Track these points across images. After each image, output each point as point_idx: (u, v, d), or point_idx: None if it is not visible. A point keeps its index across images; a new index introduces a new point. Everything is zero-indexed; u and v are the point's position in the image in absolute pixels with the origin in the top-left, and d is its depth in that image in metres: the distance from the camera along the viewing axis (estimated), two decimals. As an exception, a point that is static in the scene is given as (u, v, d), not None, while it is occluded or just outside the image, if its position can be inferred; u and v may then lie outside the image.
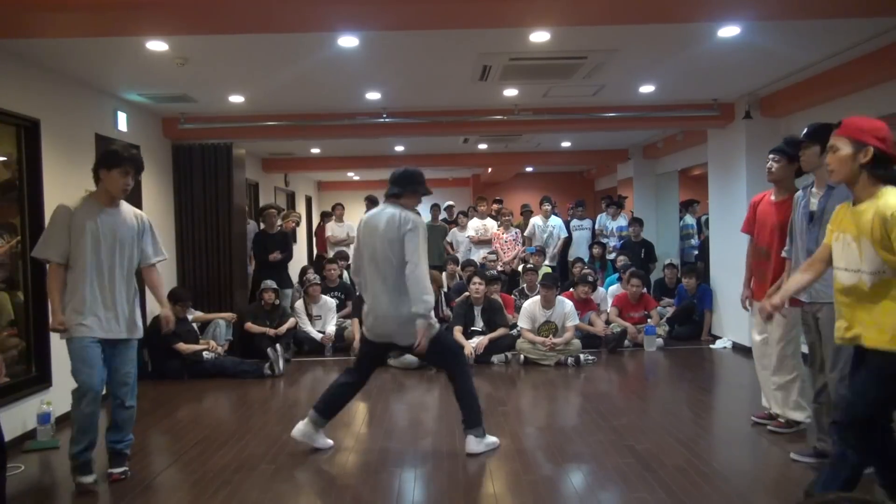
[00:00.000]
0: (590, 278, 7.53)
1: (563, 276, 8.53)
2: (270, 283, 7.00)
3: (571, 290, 7.45)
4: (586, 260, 8.80)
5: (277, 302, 7.02)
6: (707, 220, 8.94)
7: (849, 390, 2.74)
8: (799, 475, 3.47)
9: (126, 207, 3.69)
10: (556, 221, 9.14)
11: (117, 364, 3.62)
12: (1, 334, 4.49)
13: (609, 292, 7.83)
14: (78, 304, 3.46)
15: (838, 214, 2.82)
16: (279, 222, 7.92)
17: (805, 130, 3.64)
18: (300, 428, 4.00)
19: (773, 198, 4.10)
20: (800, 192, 3.67)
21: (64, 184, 4.93)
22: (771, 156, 4.05)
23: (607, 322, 7.29)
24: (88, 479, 3.54)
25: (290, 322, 7.01)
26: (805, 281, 3.02)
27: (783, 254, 3.81)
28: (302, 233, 12.97)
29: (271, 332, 6.74)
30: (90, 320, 3.48)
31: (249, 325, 6.81)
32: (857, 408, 2.63)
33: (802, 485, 3.34)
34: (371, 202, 10.02)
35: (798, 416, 4.07)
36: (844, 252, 2.70)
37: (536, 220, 9.19)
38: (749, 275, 4.30)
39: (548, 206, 9.11)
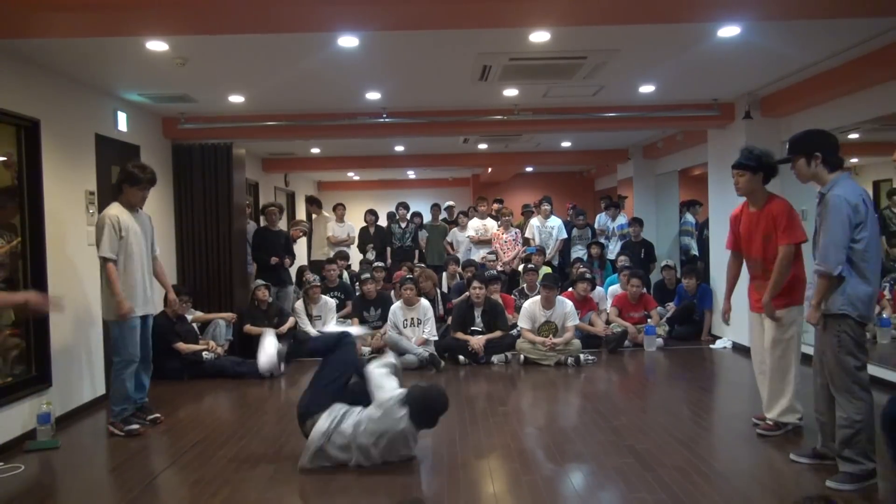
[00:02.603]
0: (587, 275, 7.54)
1: (562, 277, 8.52)
2: (261, 282, 7.02)
3: (571, 289, 7.45)
4: (584, 260, 8.79)
5: (271, 300, 7.03)
6: (707, 220, 8.94)
7: None
8: (798, 475, 3.47)
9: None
10: (555, 222, 9.12)
11: (147, 333, 4.72)
12: (2, 334, 4.50)
13: (609, 292, 7.83)
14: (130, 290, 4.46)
15: None
16: (281, 223, 7.94)
17: (787, 147, 3.57)
18: None
19: (751, 209, 4.08)
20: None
21: (64, 184, 4.94)
22: (734, 171, 4.02)
23: (607, 322, 7.29)
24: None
25: (290, 322, 7.01)
26: None
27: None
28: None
29: (270, 330, 6.69)
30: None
31: (249, 328, 6.79)
32: None
33: (801, 485, 3.35)
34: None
35: (789, 418, 4.07)
36: None
37: (535, 221, 9.18)
38: (731, 287, 4.31)
39: (547, 207, 9.10)
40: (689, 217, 9.73)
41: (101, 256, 4.35)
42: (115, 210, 4.43)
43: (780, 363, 4.01)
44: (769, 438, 4.05)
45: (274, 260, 7.43)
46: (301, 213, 12.98)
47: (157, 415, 4.78)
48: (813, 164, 3.41)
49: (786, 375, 4.01)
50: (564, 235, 9.09)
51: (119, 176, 4.55)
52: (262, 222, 7.85)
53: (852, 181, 3.36)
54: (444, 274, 8.69)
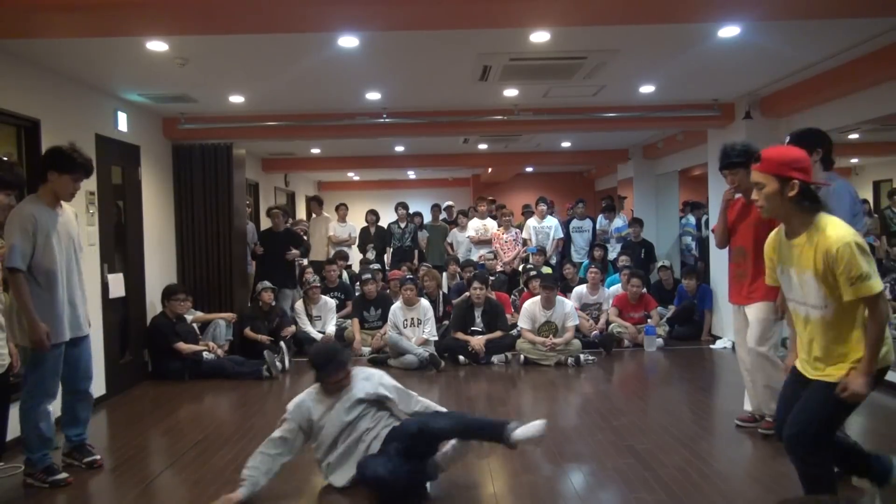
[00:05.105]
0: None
1: (562, 277, 8.52)
2: (267, 284, 7.00)
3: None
4: (586, 262, 8.77)
5: (274, 303, 7.02)
6: (707, 220, 8.94)
7: (798, 412, 2.67)
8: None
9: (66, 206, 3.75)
10: (551, 222, 9.11)
11: (81, 359, 3.77)
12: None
13: (609, 292, 7.83)
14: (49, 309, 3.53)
15: (772, 244, 2.76)
16: (285, 224, 7.92)
17: (789, 139, 3.67)
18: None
19: (745, 199, 4.12)
20: None
21: (64, 184, 4.93)
22: (726, 171, 4.05)
23: (608, 322, 7.30)
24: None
25: (290, 329, 6.98)
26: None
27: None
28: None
29: (265, 339, 6.64)
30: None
31: (248, 333, 6.77)
32: (808, 427, 2.61)
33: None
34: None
35: None
36: (790, 286, 2.69)
37: (531, 222, 9.17)
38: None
39: (543, 207, 9.09)
40: (691, 218, 9.75)
41: (9, 267, 3.39)
42: (31, 207, 3.50)
43: (770, 358, 4.00)
44: (770, 438, 4.05)
45: (292, 255, 7.48)
46: (301, 215, 12.97)
47: (97, 457, 3.86)
48: (814, 157, 3.47)
49: (775, 372, 4.00)
50: (561, 235, 9.08)
51: (45, 159, 3.60)
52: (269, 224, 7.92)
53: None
54: (445, 274, 8.69)
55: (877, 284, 2.43)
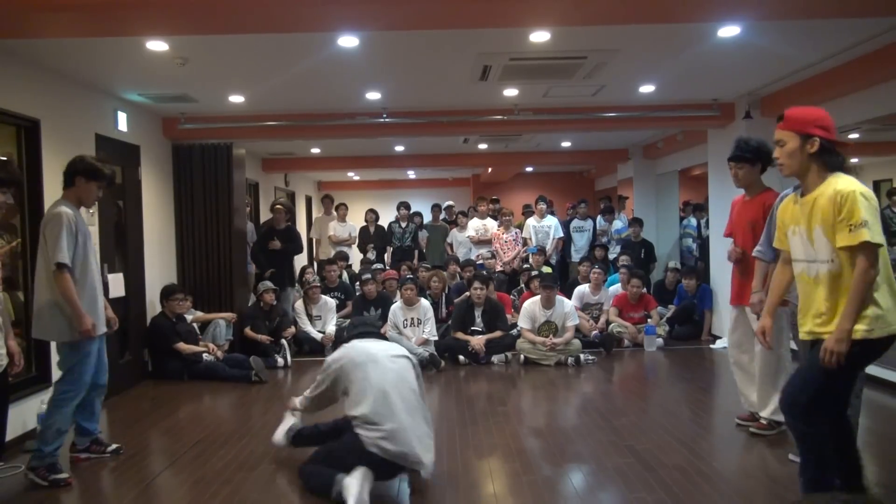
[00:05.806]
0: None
1: (562, 277, 8.52)
2: (269, 284, 7.00)
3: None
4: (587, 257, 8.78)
5: (275, 302, 7.02)
6: (708, 221, 8.94)
7: (796, 375, 2.76)
8: (797, 475, 3.47)
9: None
10: (551, 221, 9.10)
11: (103, 353, 4.01)
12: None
13: (609, 292, 7.83)
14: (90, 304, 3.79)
15: (787, 209, 2.82)
16: (286, 221, 7.89)
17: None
18: None
19: (746, 198, 4.14)
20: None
21: (64, 184, 4.93)
22: (732, 163, 4.07)
23: (608, 322, 7.30)
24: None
25: (291, 330, 6.99)
26: (785, 282, 3.01)
27: (754, 253, 3.80)
28: (302, 231, 12.96)
29: (265, 339, 6.68)
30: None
31: (248, 332, 6.77)
32: (801, 393, 2.66)
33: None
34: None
35: (781, 417, 4.06)
36: (800, 245, 2.72)
37: (531, 221, 9.17)
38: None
39: (542, 206, 9.08)
40: (693, 220, 9.74)
41: (59, 263, 3.59)
42: (69, 209, 3.73)
43: (772, 361, 4.00)
44: (766, 438, 4.05)
45: (272, 245, 7.44)
46: (301, 214, 12.97)
47: (118, 445, 4.14)
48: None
49: (779, 373, 4.00)
50: (560, 234, 9.08)
51: (73, 166, 3.84)
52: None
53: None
54: (445, 274, 8.69)
55: (872, 234, 2.46)
